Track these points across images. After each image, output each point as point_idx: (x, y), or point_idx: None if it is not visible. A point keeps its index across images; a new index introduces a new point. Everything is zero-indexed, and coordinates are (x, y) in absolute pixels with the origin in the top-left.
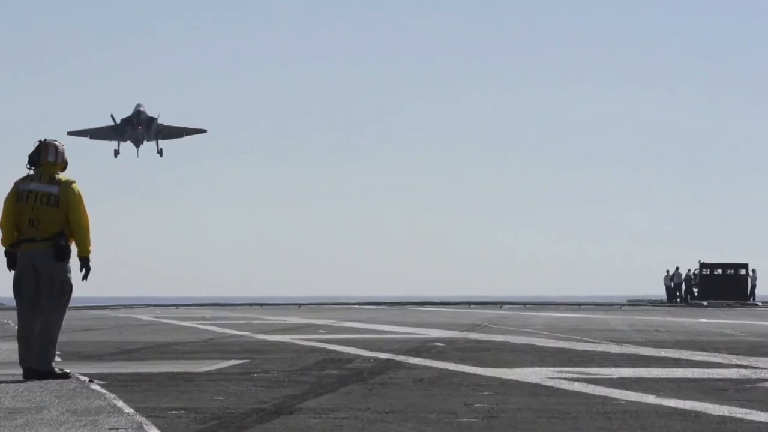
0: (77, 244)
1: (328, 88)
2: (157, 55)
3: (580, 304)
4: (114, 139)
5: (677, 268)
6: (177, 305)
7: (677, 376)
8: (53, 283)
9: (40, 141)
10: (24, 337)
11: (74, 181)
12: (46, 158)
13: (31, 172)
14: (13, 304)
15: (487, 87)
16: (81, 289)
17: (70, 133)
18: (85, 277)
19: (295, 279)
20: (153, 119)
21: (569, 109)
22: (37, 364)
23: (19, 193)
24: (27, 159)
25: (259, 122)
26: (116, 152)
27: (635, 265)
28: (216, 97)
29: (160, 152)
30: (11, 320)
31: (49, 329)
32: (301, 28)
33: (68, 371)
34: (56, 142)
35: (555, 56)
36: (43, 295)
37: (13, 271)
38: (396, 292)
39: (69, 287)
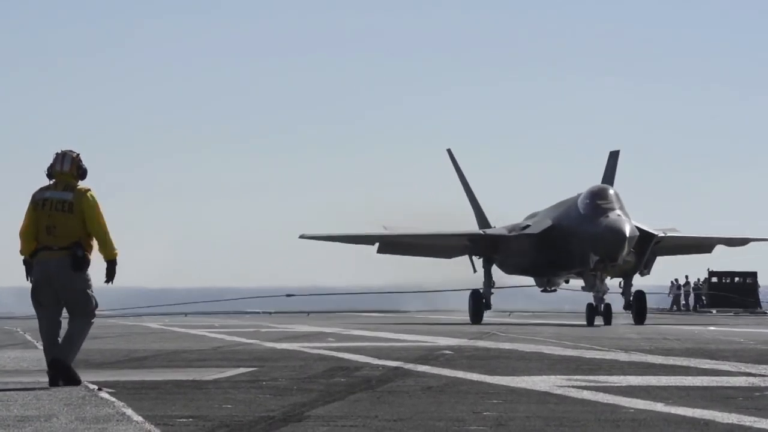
0: (102, 250)
1: (324, 81)
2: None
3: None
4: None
5: (687, 277)
6: (185, 313)
7: (686, 384)
8: (76, 294)
9: (56, 153)
10: (47, 333)
11: (89, 189)
12: (54, 167)
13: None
14: (23, 313)
15: (494, 82)
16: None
17: (303, 237)
18: (110, 280)
19: (305, 272)
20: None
21: (579, 107)
22: (60, 354)
23: (36, 201)
24: (46, 171)
25: (266, 118)
26: (477, 310)
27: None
28: (212, 92)
29: (639, 314)
30: (20, 328)
31: (74, 335)
32: (295, 24)
33: (81, 381)
34: (70, 152)
35: (558, 52)
36: (69, 306)
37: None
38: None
39: (94, 300)
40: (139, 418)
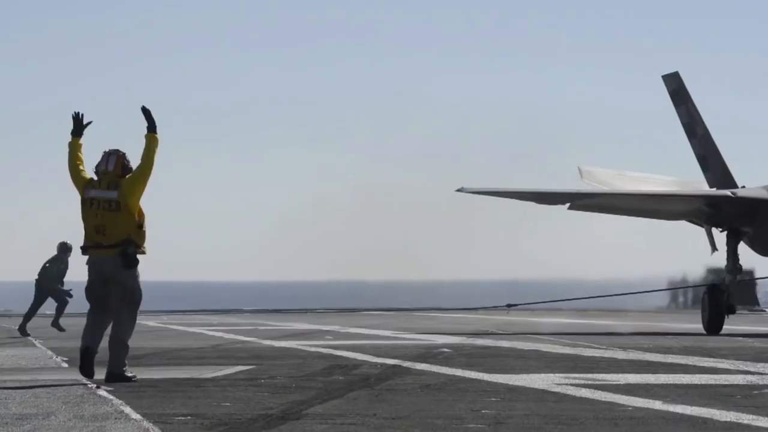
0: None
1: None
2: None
3: (586, 310)
4: None
5: (684, 275)
6: (184, 311)
7: (684, 382)
8: (124, 290)
9: (104, 152)
10: (91, 327)
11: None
12: (100, 166)
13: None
14: (21, 310)
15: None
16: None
17: (462, 191)
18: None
19: (307, 262)
20: None
21: (582, 99)
22: (110, 367)
23: (84, 200)
24: (94, 169)
25: (255, 108)
26: (716, 314)
27: (640, 265)
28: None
29: None
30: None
31: (121, 333)
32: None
33: (134, 375)
34: (116, 151)
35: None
36: (113, 301)
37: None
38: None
39: (139, 293)
40: (138, 416)
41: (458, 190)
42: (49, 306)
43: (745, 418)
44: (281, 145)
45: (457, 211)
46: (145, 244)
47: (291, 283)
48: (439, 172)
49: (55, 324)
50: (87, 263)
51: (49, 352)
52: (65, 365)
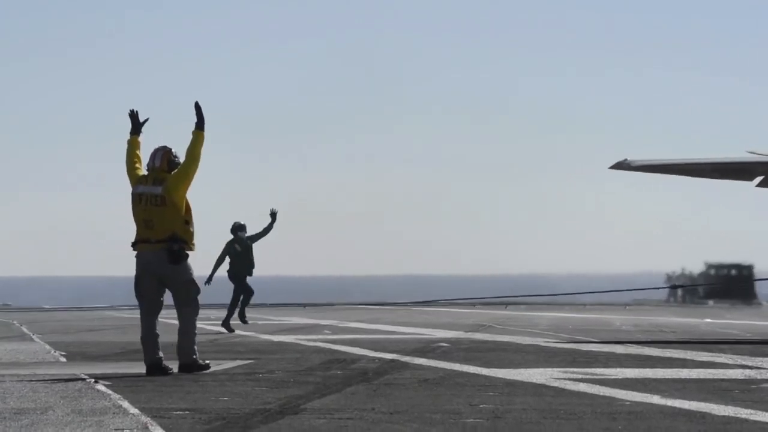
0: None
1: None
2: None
3: (584, 304)
4: None
5: (683, 269)
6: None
7: (682, 377)
8: (177, 286)
9: (154, 149)
10: (146, 340)
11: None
12: (149, 164)
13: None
14: (21, 305)
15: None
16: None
17: (620, 167)
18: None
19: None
20: None
21: (584, 98)
22: (180, 359)
23: (133, 195)
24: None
25: (261, 103)
26: None
27: (637, 261)
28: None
29: None
30: (17, 321)
31: (183, 325)
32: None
33: (208, 362)
34: (163, 147)
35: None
36: (173, 297)
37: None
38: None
39: (194, 285)
40: (136, 411)
41: (616, 166)
42: (52, 303)
43: (743, 413)
44: (280, 142)
45: (454, 208)
46: (194, 241)
47: (291, 279)
48: (441, 170)
49: (241, 316)
50: (136, 258)
51: (48, 347)
52: (63, 360)
